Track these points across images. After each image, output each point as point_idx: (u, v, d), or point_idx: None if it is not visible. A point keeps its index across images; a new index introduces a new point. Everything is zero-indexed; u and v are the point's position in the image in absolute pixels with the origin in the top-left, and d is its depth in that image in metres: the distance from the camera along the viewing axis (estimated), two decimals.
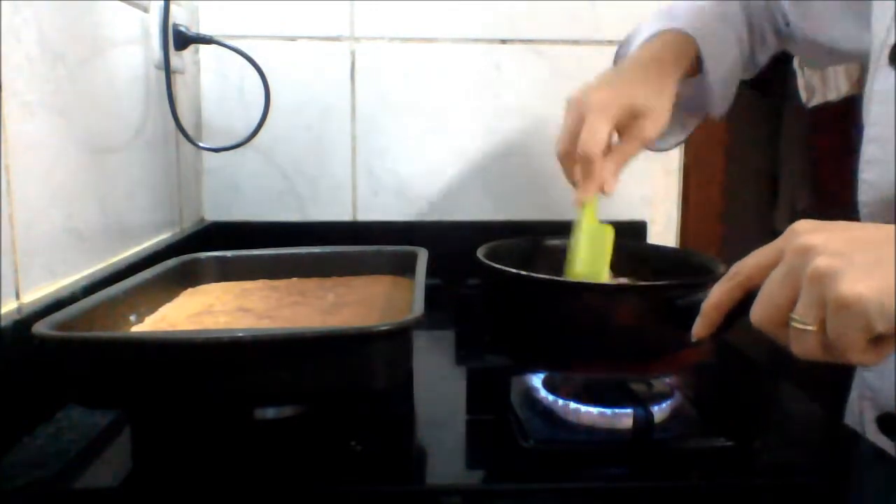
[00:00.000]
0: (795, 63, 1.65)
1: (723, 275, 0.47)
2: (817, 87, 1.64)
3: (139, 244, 0.86)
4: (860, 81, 1.57)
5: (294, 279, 0.77)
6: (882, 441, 0.67)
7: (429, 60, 1.08)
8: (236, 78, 1.06)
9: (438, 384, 0.70)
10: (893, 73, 0.59)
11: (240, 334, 0.52)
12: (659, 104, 0.67)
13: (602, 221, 0.69)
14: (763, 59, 0.81)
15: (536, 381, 0.64)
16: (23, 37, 0.61)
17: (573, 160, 0.66)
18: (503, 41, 1.09)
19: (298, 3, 1.06)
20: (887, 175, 0.59)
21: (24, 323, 0.54)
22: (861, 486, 0.55)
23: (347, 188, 1.11)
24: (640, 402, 0.57)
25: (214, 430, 0.57)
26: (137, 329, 0.62)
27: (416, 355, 0.56)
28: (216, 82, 1.07)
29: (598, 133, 0.64)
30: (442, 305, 0.69)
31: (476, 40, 1.09)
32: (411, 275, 0.70)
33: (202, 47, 1.05)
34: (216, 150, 1.00)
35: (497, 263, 0.65)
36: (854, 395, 0.74)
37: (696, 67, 0.73)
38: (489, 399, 0.61)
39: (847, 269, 0.38)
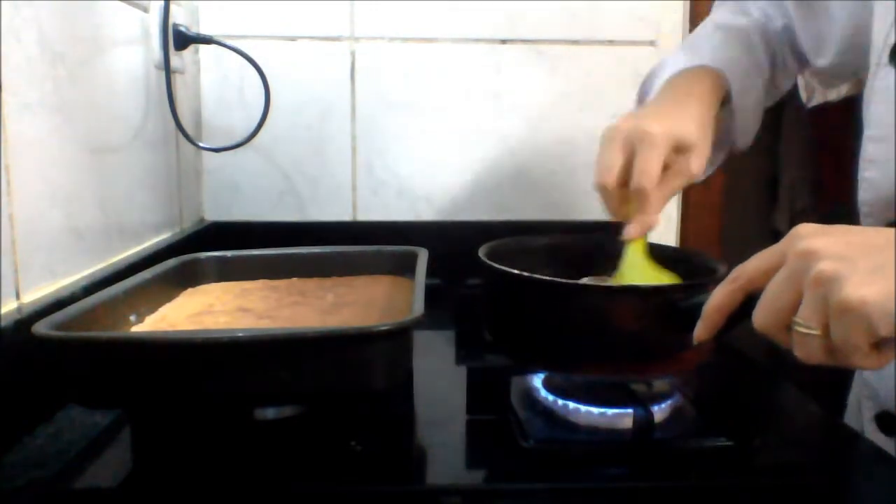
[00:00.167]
0: None
1: (724, 275, 0.47)
2: (817, 87, 1.64)
3: (139, 244, 0.86)
4: (860, 81, 1.57)
5: (294, 279, 0.77)
6: (881, 439, 0.67)
7: (429, 60, 1.08)
8: (236, 78, 1.06)
9: (438, 384, 0.70)
10: (894, 71, 0.59)
11: (239, 334, 0.52)
12: (702, 139, 0.66)
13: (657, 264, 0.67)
14: (786, 84, 0.81)
15: (536, 381, 0.64)
16: (23, 37, 0.61)
17: (619, 193, 0.65)
18: (503, 41, 1.09)
19: (298, 3, 1.06)
20: (887, 174, 0.59)
21: (24, 323, 0.54)
22: (861, 486, 0.55)
23: (347, 188, 1.11)
24: (640, 402, 0.57)
25: (214, 430, 0.57)
26: (137, 329, 0.62)
27: (416, 355, 0.56)
28: (216, 82, 1.07)
29: (654, 168, 0.62)
30: (442, 305, 0.69)
31: (476, 40, 1.09)
32: (411, 275, 0.70)
33: (202, 47, 1.05)
34: (216, 150, 1.00)
35: (498, 263, 0.65)
36: (853, 394, 0.74)
37: (722, 101, 0.72)
38: (489, 399, 0.61)
39: (850, 274, 0.38)
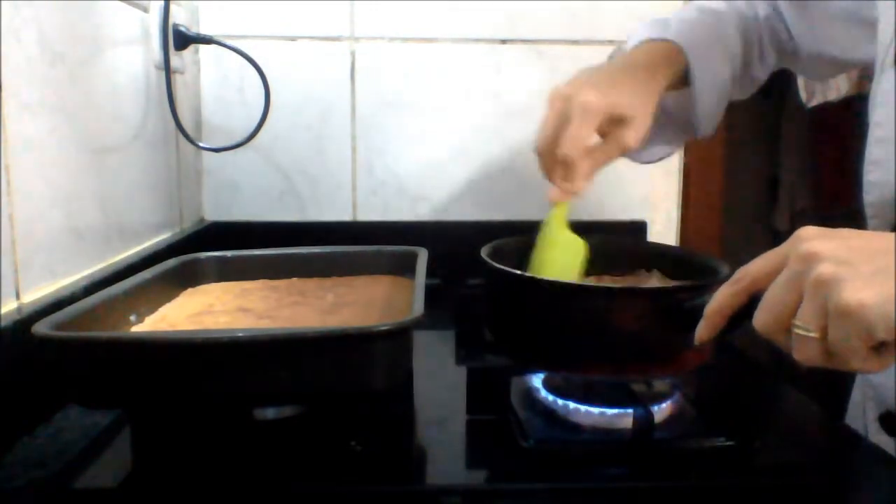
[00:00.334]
0: None
1: (727, 276, 0.47)
2: (817, 87, 1.64)
3: (139, 244, 0.86)
4: (860, 81, 1.57)
5: (294, 279, 0.77)
6: (884, 440, 0.67)
7: (429, 60, 1.08)
8: (236, 78, 1.06)
9: (438, 384, 0.70)
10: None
11: (239, 334, 0.52)
12: (642, 113, 0.66)
13: (577, 232, 0.69)
14: (762, 76, 0.80)
15: (536, 381, 0.64)
16: (23, 37, 0.61)
17: (552, 158, 0.65)
18: (503, 41, 1.09)
19: (298, 3, 1.06)
20: (892, 176, 0.59)
21: (24, 323, 0.54)
22: (861, 487, 0.55)
23: (347, 188, 1.11)
24: (640, 402, 0.57)
25: (214, 430, 0.57)
26: (137, 329, 0.62)
27: (416, 355, 0.56)
28: (216, 82, 1.07)
29: (582, 137, 0.63)
30: (442, 305, 0.69)
31: (476, 40, 1.09)
32: (411, 275, 0.70)
33: (202, 47, 1.05)
34: (216, 150, 1.00)
35: (500, 263, 0.65)
36: (856, 395, 0.74)
37: (683, 80, 0.72)
38: (489, 399, 0.61)
39: (850, 278, 0.38)
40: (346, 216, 1.11)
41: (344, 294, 0.71)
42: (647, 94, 0.67)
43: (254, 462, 0.54)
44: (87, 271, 0.71)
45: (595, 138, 0.67)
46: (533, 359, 0.63)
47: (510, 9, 1.08)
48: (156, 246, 0.88)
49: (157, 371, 0.50)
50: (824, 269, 0.39)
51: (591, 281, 0.72)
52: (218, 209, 1.10)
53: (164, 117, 0.91)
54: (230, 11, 1.05)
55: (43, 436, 0.57)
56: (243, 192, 1.10)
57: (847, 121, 1.62)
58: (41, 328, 0.49)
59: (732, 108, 0.78)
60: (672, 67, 0.70)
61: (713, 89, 0.73)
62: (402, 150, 1.10)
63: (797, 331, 0.41)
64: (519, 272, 0.63)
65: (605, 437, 0.58)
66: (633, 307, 0.58)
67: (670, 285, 0.63)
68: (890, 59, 0.60)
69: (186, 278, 0.75)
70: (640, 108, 0.66)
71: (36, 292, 0.62)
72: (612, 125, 0.65)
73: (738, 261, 0.47)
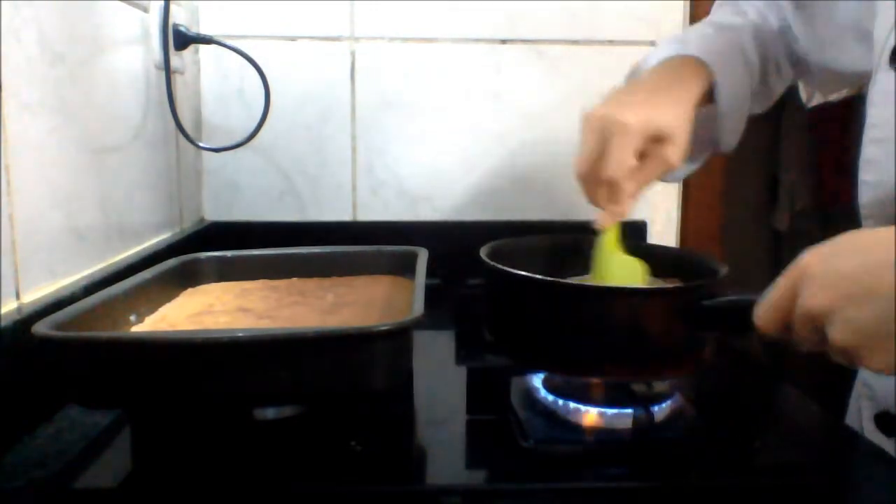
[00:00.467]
0: None
1: (726, 277, 0.47)
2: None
3: (139, 244, 0.86)
4: (860, 82, 1.57)
5: (294, 279, 0.77)
6: (880, 439, 0.67)
7: (429, 60, 1.08)
8: (236, 78, 1.06)
9: (438, 384, 0.70)
10: (894, 74, 0.59)
11: (239, 334, 0.52)
12: (681, 130, 0.65)
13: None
14: (779, 88, 0.79)
15: (536, 381, 0.64)
16: (23, 37, 0.61)
17: (596, 182, 0.64)
18: (503, 41, 1.09)
19: (298, 3, 1.06)
20: (887, 176, 0.59)
21: (24, 323, 0.54)
22: (861, 487, 0.55)
23: (347, 188, 1.11)
24: (640, 402, 0.57)
25: (214, 430, 0.57)
26: (137, 329, 0.62)
27: (416, 355, 0.56)
28: (216, 82, 1.07)
29: (625, 158, 0.62)
30: (442, 305, 0.69)
31: (476, 40, 1.09)
32: (411, 275, 0.70)
33: (202, 47, 1.05)
34: (216, 150, 1.00)
35: (499, 263, 0.64)
36: (854, 395, 0.74)
37: (708, 97, 0.71)
38: (489, 399, 0.62)
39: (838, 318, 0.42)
40: (346, 216, 1.11)
41: (344, 294, 0.71)
42: (683, 110, 0.66)
43: (254, 462, 0.54)
44: (87, 271, 0.71)
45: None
46: (534, 360, 0.63)
47: (510, 9, 1.08)
48: (156, 246, 0.88)
49: (157, 371, 0.50)
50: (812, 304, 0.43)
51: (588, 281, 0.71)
52: (218, 209, 1.10)
53: (164, 117, 0.91)
54: (230, 11, 1.05)
55: (43, 436, 0.57)
56: (243, 192, 1.10)
57: (847, 121, 1.62)
58: (41, 328, 0.49)
59: None
60: (700, 83, 0.69)
61: (737, 103, 0.73)
62: (402, 150, 1.10)
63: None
64: (519, 272, 0.62)
65: (605, 437, 0.58)
66: (634, 308, 0.58)
67: (690, 284, 0.62)
68: (885, 59, 0.60)
69: (186, 278, 0.75)
70: (678, 125, 0.65)
71: (36, 292, 0.62)
72: (652, 144, 0.64)
73: (738, 261, 0.47)
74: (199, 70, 1.06)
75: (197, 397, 0.52)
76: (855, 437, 0.63)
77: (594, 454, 0.57)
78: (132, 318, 0.62)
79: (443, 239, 0.93)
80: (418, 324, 0.52)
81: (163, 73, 0.89)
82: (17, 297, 0.60)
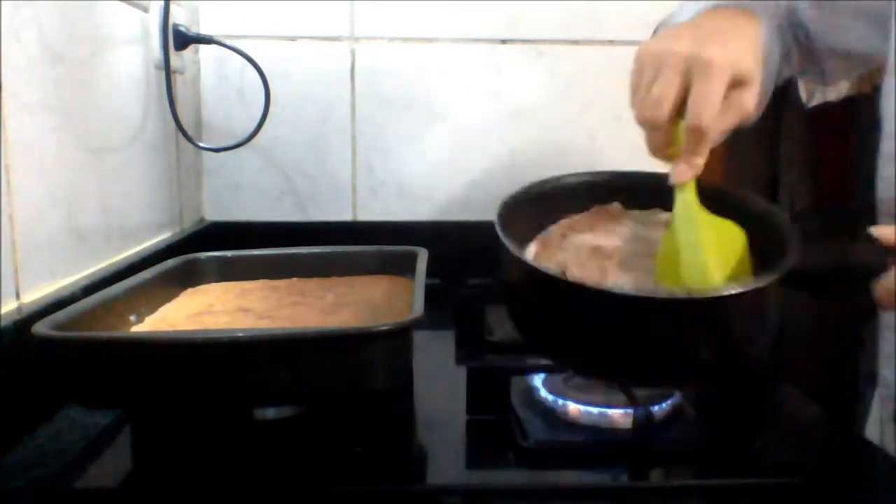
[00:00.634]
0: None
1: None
2: (817, 87, 1.64)
3: (139, 244, 0.86)
4: (860, 82, 1.57)
5: (294, 279, 0.77)
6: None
7: (429, 60, 1.08)
8: (236, 78, 1.06)
9: (438, 384, 0.70)
10: None
11: (239, 334, 0.52)
12: (758, 74, 0.56)
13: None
14: (785, 74, 0.75)
15: (536, 380, 0.64)
16: (23, 37, 0.61)
17: (668, 129, 0.55)
18: (503, 41, 1.09)
19: (298, 3, 1.06)
20: None
21: (24, 323, 0.54)
22: (861, 486, 0.55)
23: (347, 188, 1.11)
24: (640, 402, 0.57)
25: (214, 430, 0.57)
26: (137, 329, 0.62)
27: (416, 355, 0.56)
28: (216, 82, 1.07)
29: (714, 102, 0.53)
30: (442, 305, 0.69)
31: (476, 40, 1.09)
32: (411, 275, 0.70)
33: (202, 47, 1.05)
34: (216, 150, 1.00)
35: (516, 234, 0.55)
36: (875, 403, 0.72)
37: None
38: (489, 399, 0.61)
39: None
40: (346, 216, 1.11)
41: (344, 294, 0.71)
42: (757, 51, 0.58)
43: (254, 462, 0.54)
44: (87, 271, 0.71)
45: None
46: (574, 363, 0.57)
47: (510, 9, 1.08)
48: (156, 246, 0.88)
49: (157, 371, 0.50)
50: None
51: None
52: (218, 209, 1.10)
53: (164, 117, 0.91)
54: (230, 11, 1.05)
55: (43, 436, 0.57)
56: (243, 192, 1.10)
57: (847, 121, 1.62)
58: (41, 328, 0.49)
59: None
60: (757, 29, 0.60)
61: (774, 67, 0.67)
62: (403, 150, 1.10)
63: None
64: (585, 284, 0.51)
65: (605, 437, 0.58)
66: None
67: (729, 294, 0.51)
68: None
69: (186, 278, 0.75)
70: (756, 69, 0.56)
71: (36, 292, 0.62)
72: (730, 89, 0.55)
73: None
74: (199, 70, 1.06)
75: (197, 397, 0.52)
76: (855, 437, 0.63)
77: (594, 454, 0.57)
78: (132, 318, 0.62)
79: (443, 239, 0.93)
80: (418, 324, 0.52)
81: (163, 73, 0.89)
82: (17, 297, 0.60)
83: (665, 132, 0.55)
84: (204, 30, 1.04)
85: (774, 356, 0.74)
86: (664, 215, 0.62)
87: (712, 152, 0.55)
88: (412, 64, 1.08)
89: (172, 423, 0.58)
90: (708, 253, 0.53)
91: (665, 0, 1.11)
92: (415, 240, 0.80)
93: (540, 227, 0.61)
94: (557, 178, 0.65)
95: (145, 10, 0.87)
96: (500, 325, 0.81)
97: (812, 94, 1.64)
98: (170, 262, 0.73)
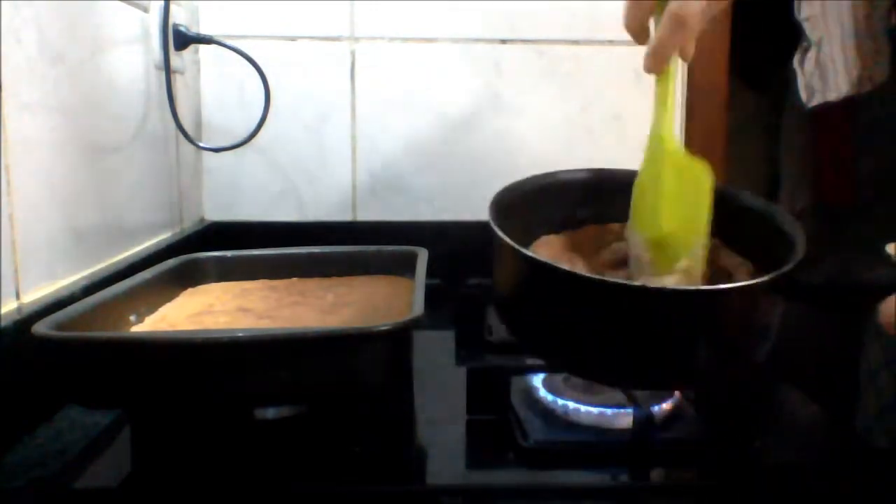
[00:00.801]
0: (795, 62, 1.65)
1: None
2: (817, 87, 1.63)
3: (139, 244, 0.86)
4: (860, 81, 1.57)
5: (294, 279, 0.77)
6: None
7: (429, 60, 1.08)
8: (236, 78, 1.06)
9: (438, 384, 0.70)
10: None
11: (239, 334, 0.52)
12: None
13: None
14: None
15: (536, 380, 0.64)
16: (23, 37, 0.61)
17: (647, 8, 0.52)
18: (503, 41, 1.09)
19: (298, 3, 1.06)
20: None
21: (24, 323, 0.54)
22: (861, 486, 0.55)
23: (347, 188, 1.11)
24: (640, 402, 0.57)
25: (214, 430, 0.57)
26: (137, 329, 0.62)
27: (416, 355, 0.56)
28: (216, 82, 1.07)
29: None
30: (442, 305, 0.69)
31: (476, 40, 1.09)
32: (411, 275, 0.70)
33: (202, 47, 1.05)
34: (216, 150, 1.00)
35: (512, 224, 0.53)
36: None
37: None
38: (489, 399, 0.61)
39: None
40: (346, 216, 1.11)
41: (344, 294, 0.71)
42: None
43: (254, 462, 0.54)
44: (86, 271, 0.71)
45: None
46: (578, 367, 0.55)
47: (510, 9, 1.08)
48: (156, 246, 0.88)
49: (157, 371, 0.50)
50: None
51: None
52: (218, 209, 1.10)
53: (164, 117, 0.91)
54: (230, 11, 1.05)
55: (43, 436, 0.57)
56: (243, 192, 1.10)
57: (847, 121, 1.61)
58: (41, 328, 0.49)
59: (732, 108, 0.77)
60: None
61: None
62: (402, 149, 1.10)
63: None
64: (593, 277, 0.48)
65: (605, 437, 0.58)
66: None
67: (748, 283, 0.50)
68: None
69: (186, 278, 0.75)
70: None
71: (36, 292, 0.62)
72: None
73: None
74: (199, 70, 1.06)
75: (197, 397, 0.52)
76: (855, 437, 0.63)
77: (594, 454, 0.57)
78: (132, 318, 0.62)
79: (443, 239, 0.93)
80: (418, 324, 0.52)
81: (163, 73, 0.89)
82: (17, 297, 0.60)
83: (644, 7, 0.53)
84: (204, 30, 1.04)
85: (774, 356, 0.74)
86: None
87: (712, 153, 0.54)
88: (412, 64, 1.08)
89: (172, 423, 0.58)
90: (663, 197, 0.51)
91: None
92: (415, 240, 0.80)
93: (542, 221, 0.60)
94: (555, 174, 0.64)
95: (145, 10, 0.87)
96: (500, 326, 0.81)
97: (812, 94, 1.64)
98: (170, 262, 0.73)
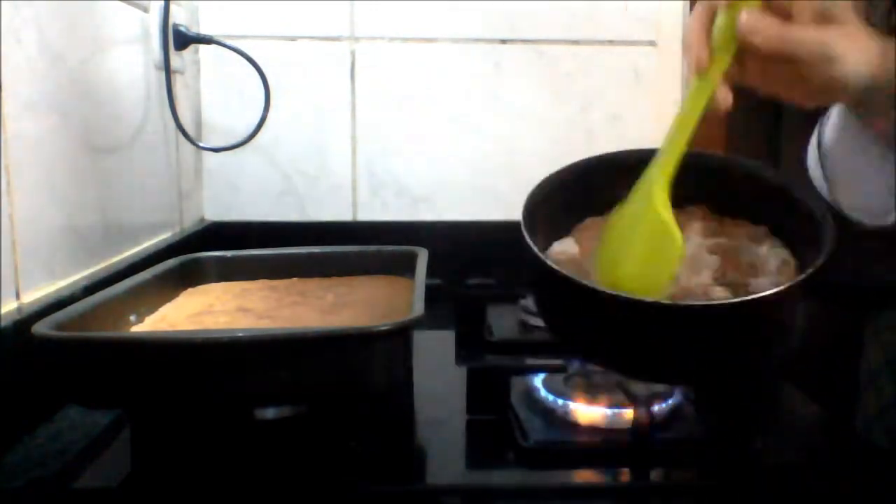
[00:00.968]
0: None
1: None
2: None
3: (139, 244, 0.86)
4: None
5: (294, 279, 0.77)
6: None
7: (429, 60, 1.08)
8: (236, 78, 1.06)
9: (438, 384, 0.70)
10: None
11: (239, 334, 0.52)
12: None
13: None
14: None
15: (536, 381, 0.64)
16: (23, 37, 0.61)
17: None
18: (503, 41, 1.09)
19: (298, 3, 1.06)
20: None
21: (24, 323, 0.54)
22: (861, 486, 0.55)
23: (347, 188, 1.11)
24: (640, 402, 0.57)
25: (214, 430, 0.57)
26: (137, 329, 0.62)
27: (416, 355, 0.56)
28: (216, 82, 1.07)
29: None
30: (442, 305, 0.69)
31: (476, 40, 1.09)
32: (411, 275, 0.70)
33: (202, 47, 1.05)
34: (216, 150, 1.00)
35: (552, 208, 0.56)
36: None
37: None
38: (489, 399, 0.62)
39: None
40: (346, 216, 1.11)
41: (344, 294, 0.71)
42: None
43: (254, 462, 0.54)
44: (86, 271, 0.71)
45: None
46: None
47: (510, 9, 1.08)
48: (156, 246, 0.88)
49: (157, 371, 0.50)
50: None
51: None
52: (218, 209, 1.10)
53: (164, 117, 0.91)
54: (230, 11, 1.05)
55: (43, 436, 0.57)
56: (243, 192, 1.10)
57: None
58: (41, 328, 0.49)
59: (732, 107, 0.77)
60: None
61: None
62: (402, 149, 1.10)
63: None
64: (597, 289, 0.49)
65: (605, 436, 0.58)
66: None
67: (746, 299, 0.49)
68: None
69: (186, 278, 0.75)
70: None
71: (36, 292, 0.62)
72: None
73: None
74: (199, 70, 1.06)
75: (197, 397, 0.52)
76: (855, 437, 0.63)
77: (594, 454, 0.57)
78: (132, 318, 0.62)
79: (443, 239, 0.93)
80: (418, 324, 0.52)
81: (163, 73, 0.89)
82: (17, 297, 0.60)
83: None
84: (204, 30, 1.04)
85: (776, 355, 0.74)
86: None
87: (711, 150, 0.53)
88: (412, 64, 1.08)
89: (172, 423, 0.58)
90: (629, 255, 0.51)
91: (665, 0, 1.11)
92: (415, 240, 0.80)
93: (584, 204, 0.60)
94: (598, 156, 0.65)
95: (145, 10, 0.87)
96: (500, 325, 0.81)
97: None
98: (170, 262, 0.73)
